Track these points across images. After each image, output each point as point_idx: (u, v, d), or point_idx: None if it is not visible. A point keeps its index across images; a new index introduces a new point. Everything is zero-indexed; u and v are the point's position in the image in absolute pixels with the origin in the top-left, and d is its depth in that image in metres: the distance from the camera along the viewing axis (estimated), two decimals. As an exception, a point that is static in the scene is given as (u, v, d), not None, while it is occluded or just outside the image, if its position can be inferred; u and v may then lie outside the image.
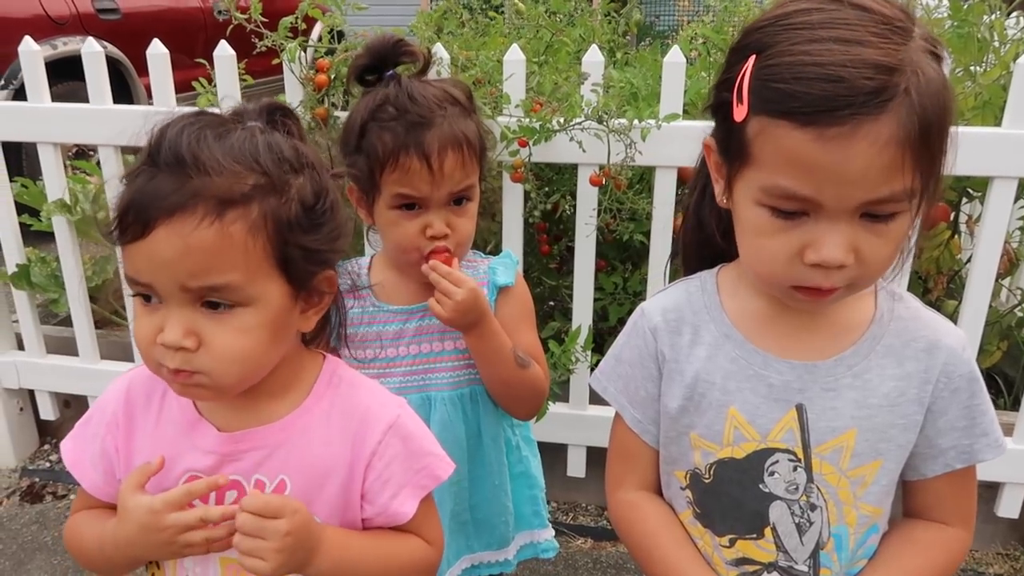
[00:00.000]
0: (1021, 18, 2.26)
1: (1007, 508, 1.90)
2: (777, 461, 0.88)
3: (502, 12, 2.59)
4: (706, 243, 0.97)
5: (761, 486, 0.89)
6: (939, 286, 2.04)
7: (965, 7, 2.00)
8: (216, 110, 0.84)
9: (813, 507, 0.88)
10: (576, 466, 2.07)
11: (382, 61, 1.19)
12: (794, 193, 0.75)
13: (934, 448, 0.89)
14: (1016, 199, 1.75)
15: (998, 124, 1.70)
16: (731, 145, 0.81)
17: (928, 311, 0.91)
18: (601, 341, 2.15)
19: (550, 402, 1.84)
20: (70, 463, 0.92)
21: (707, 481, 0.92)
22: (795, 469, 0.88)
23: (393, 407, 0.90)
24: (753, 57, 0.76)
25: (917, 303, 0.92)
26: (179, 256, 0.73)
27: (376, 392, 0.93)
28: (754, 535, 0.91)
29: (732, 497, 0.91)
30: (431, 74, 1.25)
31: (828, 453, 0.87)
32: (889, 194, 0.73)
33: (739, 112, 0.78)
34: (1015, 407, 1.94)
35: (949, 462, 0.89)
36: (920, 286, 2.07)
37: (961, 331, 0.90)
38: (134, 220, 0.74)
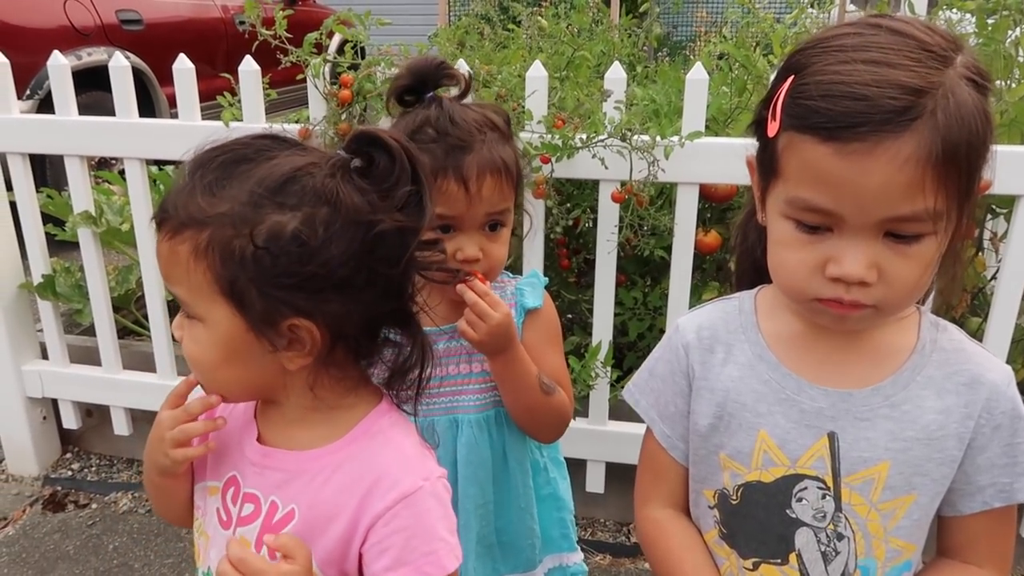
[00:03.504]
0: (1046, 33, 2.24)
1: (1032, 530, 1.88)
2: (806, 488, 0.87)
3: (520, 23, 2.60)
4: (749, 255, 0.98)
5: (788, 511, 0.89)
6: (962, 303, 2.02)
7: (991, 23, 1.98)
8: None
9: (840, 537, 0.87)
10: (595, 482, 2.06)
11: (423, 82, 1.17)
12: (815, 206, 0.76)
13: (972, 485, 0.87)
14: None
15: (1024, 142, 1.69)
16: (764, 160, 0.83)
17: (973, 343, 0.89)
18: (621, 356, 2.14)
19: (569, 417, 1.84)
20: None
21: (734, 502, 0.92)
22: (824, 497, 0.87)
23: (417, 478, 0.83)
24: (791, 77, 0.78)
25: (962, 335, 0.90)
26: (158, 260, 0.84)
27: (407, 457, 0.86)
28: (779, 560, 0.90)
29: (758, 520, 0.91)
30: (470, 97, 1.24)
31: (858, 484, 0.86)
32: (911, 213, 0.73)
33: (772, 128, 0.80)
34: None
35: (987, 500, 0.87)
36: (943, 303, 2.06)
37: (1007, 367, 0.87)
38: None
